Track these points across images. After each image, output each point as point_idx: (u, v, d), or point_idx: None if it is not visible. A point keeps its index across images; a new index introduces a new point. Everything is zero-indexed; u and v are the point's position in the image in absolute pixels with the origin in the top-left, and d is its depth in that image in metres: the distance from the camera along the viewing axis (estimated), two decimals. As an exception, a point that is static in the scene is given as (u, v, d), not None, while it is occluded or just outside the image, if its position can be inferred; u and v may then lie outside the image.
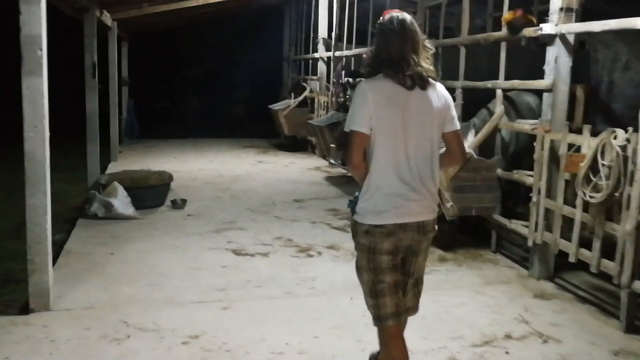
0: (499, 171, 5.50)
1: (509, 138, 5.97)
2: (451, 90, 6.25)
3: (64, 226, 6.44)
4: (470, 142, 5.57)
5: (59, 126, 7.21)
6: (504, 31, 5.38)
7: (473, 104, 6.25)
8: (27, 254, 4.02)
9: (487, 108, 5.95)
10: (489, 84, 5.67)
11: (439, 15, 7.11)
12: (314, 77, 12.51)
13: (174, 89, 17.51)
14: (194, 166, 10.47)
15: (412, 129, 2.63)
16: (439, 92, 2.73)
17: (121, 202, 6.55)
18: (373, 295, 2.71)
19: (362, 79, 2.97)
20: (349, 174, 7.83)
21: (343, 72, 10.20)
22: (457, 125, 2.79)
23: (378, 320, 2.73)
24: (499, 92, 5.54)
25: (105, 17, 9.10)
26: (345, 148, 2.73)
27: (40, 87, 3.84)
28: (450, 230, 5.86)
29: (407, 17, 2.72)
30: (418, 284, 2.84)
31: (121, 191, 6.65)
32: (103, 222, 6.39)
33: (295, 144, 12.88)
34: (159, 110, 16.49)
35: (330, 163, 10.75)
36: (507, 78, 5.47)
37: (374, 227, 2.63)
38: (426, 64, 2.68)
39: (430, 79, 2.68)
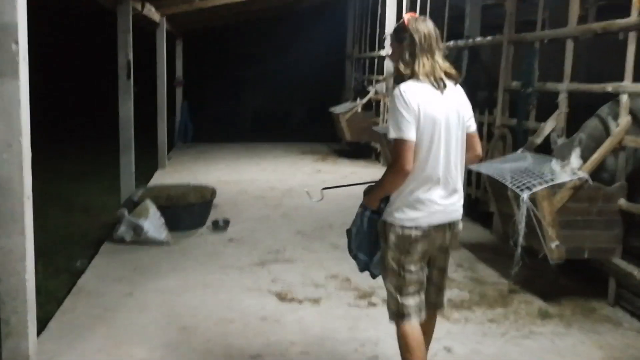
0: (622, 202, 4.21)
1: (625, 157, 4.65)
2: (553, 95, 5.12)
3: (89, 249, 5.59)
4: (575, 164, 4.30)
5: (104, 127, 6.40)
6: (634, 17, 4.09)
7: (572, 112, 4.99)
8: (1, 311, 3.08)
9: (598, 117, 4.66)
10: (609, 86, 4.37)
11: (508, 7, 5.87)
12: (380, 77, 11.30)
13: (230, 90, 16.70)
14: (245, 175, 9.51)
15: (445, 130, 2.69)
16: (459, 92, 2.82)
17: (152, 224, 5.61)
18: (398, 293, 2.78)
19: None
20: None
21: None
22: (475, 125, 2.90)
23: (399, 317, 2.79)
24: (624, 99, 4.24)
25: (150, 12, 8.26)
26: (394, 156, 2.66)
27: (16, 93, 2.90)
28: (550, 272, 4.62)
29: (429, 20, 2.80)
30: (442, 277, 2.95)
31: (153, 211, 5.71)
32: (130, 248, 5.47)
33: (358, 151, 11.73)
34: (215, 112, 15.70)
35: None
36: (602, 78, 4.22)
37: (409, 229, 2.70)
38: (446, 63, 2.76)
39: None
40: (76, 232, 6.30)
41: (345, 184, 3.87)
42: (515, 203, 4.32)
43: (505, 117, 5.99)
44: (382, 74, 11.16)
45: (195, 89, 14.56)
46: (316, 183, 8.91)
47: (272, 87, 16.60)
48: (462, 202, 2.82)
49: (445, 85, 2.70)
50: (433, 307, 2.95)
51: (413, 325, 2.78)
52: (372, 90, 11.28)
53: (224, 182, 8.83)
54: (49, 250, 5.58)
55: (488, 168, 4.79)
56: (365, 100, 11.31)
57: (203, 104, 14.94)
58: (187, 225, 6.06)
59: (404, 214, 2.70)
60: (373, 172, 10.16)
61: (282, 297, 4.41)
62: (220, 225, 6.15)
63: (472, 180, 6.82)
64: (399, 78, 2.73)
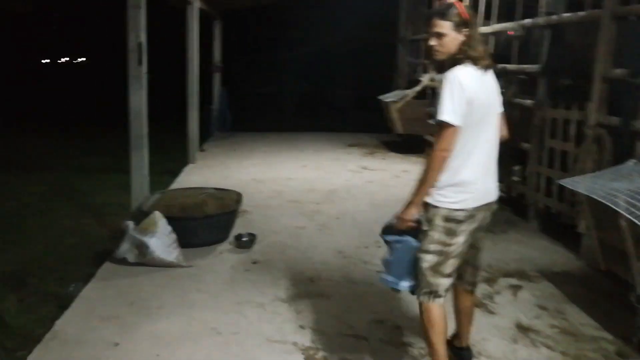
0: None
1: None
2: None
3: (89, 267, 4.67)
4: None
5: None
6: None
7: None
8: None
9: None
10: None
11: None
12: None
13: (272, 75, 15.68)
14: (282, 172, 8.47)
15: (487, 113, 2.76)
16: (492, 75, 2.84)
17: (161, 241, 4.62)
18: (434, 273, 2.79)
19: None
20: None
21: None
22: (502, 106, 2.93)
23: (430, 296, 2.81)
24: None
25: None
26: (438, 138, 2.66)
27: None
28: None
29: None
30: (478, 257, 3.03)
31: (163, 225, 4.73)
32: (132, 271, 4.51)
33: (410, 144, 10.53)
34: (255, 99, 14.70)
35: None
36: None
37: (455, 212, 2.72)
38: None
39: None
40: (81, 243, 5.40)
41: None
42: (633, 239, 3.12)
43: (603, 114, 4.73)
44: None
45: (234, 74, 13.60)
46: (361, 184, 7.81)
47: (317, 72, 15.50)
48: (496, 182, 2.90)
49: (488, 68, 2.77)
50: (470, 286, 3.07)
51: (441, 305, 2.84)
52: (426, 76, 10.03)
53: (257, 181, 7.82)
54: (44, 266, 4.73)
55: (589, 186, 3.58)
56: (419, 88, 10.07)
57: (243, 91, 13.97)
58: (205, 241, 5.06)
59: (450, 197, 2.74)
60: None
61: (310, 356, 3.34)
62: (244, 241, 5.13)
63: (553, 190, 5.58)
64: (452, 62, 2.74)
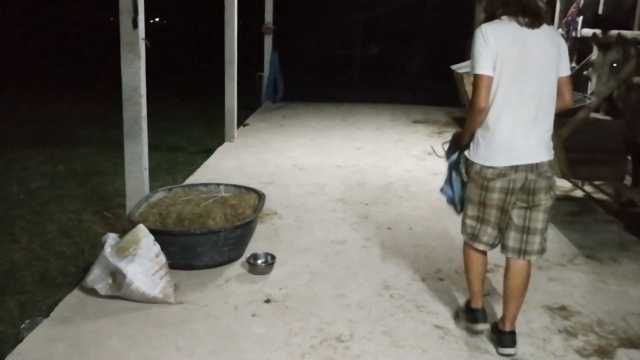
0: None
1: None
2: None
3: (64, 289, 3.60)
4: None
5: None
6: None
7: None
8: None
9: None
10: None
11: None
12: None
13: (333, 38, 14.19)
14: (330, 158, 7.13)
15: (531, 70, 2.69)
16: (553, 34, 2.80)
17: (142, 268, 3.43)
18: (475, 220, 2.91)
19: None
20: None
21: (578, 17, 6.10)
22: (569, 71, 2.84)
23: (471, 238, 2.96)
24: None
25: None
26: (472, 93, 2.71)
27: None
28: None
29: None
30: (527, 222, 2.83)
31: (147, 245, 3.52)
32: (103, 308, 3.36)
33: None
34: (313, 65, 13.30)
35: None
36: None
37: (486, 168, 2.76)
38: (541, 2, 2.73)
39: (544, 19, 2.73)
40: (74, 248, 4.33)
41: None
42: None
43: None
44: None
45: (288, 36, 12.23)
46: (425, 177, 6.38)
47: (383, 34, 13.91)
48: (548, 145, 2.79)
49: (535, 24, 2.69)
50: (517, 253, 2.90)
51: (478, 252, 2.98)
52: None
53: (298, 169, 6.54)
54: (11, 283, 3.74)
55: None
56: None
57: (298, 55, 12.61)
58: (208, 262, 3.84)
59: (481, 153, 2.77)
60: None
61: None
62: (259, 265, 3.88)
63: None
64: (488, 17, 2.75)
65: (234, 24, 7.55)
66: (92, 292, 3.46)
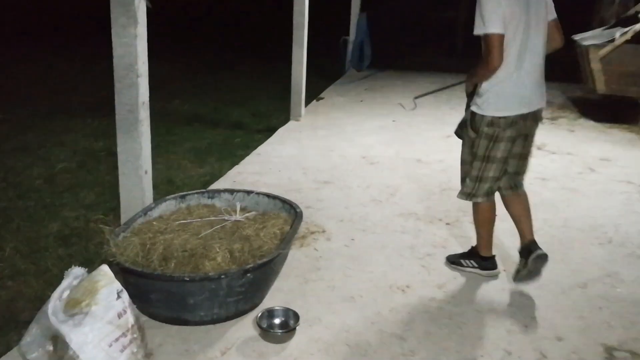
0: None
1: None
2: None
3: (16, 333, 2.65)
4: None
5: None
6: None
7: None
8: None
9: None
10: None
11: None
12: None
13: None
14: (410, 147, 5.80)
15: (532, 22, 2.82)
16: None
17: (94, 333, 2.33)
18: (476, 180, 3.05)
19: None
20: None
21: None
22: (555, 13, 2.98)
23: (469, 197, 3.13)
24: None
25: None
26: (485, 51, 2.79)
27: None
28: None
29: None
30: (523, 164, 3.11)
31: (107, 297, 2.41)
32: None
33: (614, 109, 7.17)
34: (408, 29, 11.78)
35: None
36: None
37: (498, 119, 2.89)
38: None
39: None
40: (57, 267, 3.38)
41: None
42: None
43: None
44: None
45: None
46: (528, 182, 4.90)
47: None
48: (544, 92, 2.99)
49: None
50: (511, 189, 3.15)
51: (484, 203, 3.12)
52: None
53: (367, 164, 5.28)
54: None
55: None
56: (638, 27, 6.59)
57: (389, 17, 11.14)
58: (205, 317, 2.71)
59: (493, 105, 2.88)
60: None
61: None
62: (275, 333, 2.70)
63: None
64: None
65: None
66: None
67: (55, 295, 2.46)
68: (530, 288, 3.17)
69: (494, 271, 3.29)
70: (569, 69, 8.03)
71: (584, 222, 4.12)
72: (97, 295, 2.43)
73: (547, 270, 3.14)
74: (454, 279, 3.29)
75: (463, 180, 3.14)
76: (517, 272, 3.12)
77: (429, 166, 5.26)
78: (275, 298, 2.98)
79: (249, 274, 2.70)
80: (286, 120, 6.74)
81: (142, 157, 3.23)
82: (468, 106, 3.02)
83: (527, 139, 3.01)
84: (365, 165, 5.21)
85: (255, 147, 5.76)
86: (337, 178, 4.86)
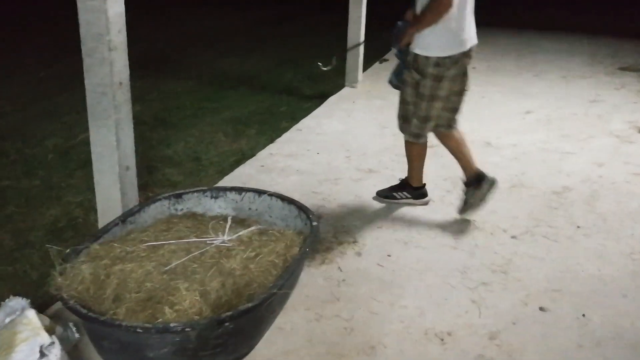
0: None
1: None
2: None
3: None
4: None
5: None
6: None
7: None
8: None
9: None
10: None
11: None
12: None
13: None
14: (479, 126, 4.90)
15: None
16: None
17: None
18: (423, 121, 3.17)
19: None
20: None
21: None
22: None
23: (416, 137, 3.25)
24: None
25: None
26: None
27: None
28: None
29: None
30: (460, 100, 3.18)
31: (25, 356, 1.83)
32: None
33: None
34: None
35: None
36: None
37: (444, 59, 3.00)
38: None
39: None
40: (37, 272, 2.90)
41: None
42: None
43: None
44: None
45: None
46: (623, 176, 3.94)
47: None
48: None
49: None
50: (448, 128, 3.25)
51: (424, 143, 3.30)
52: None
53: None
54: None
55: None
56: None
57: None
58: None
59: (440, 47, 2.98)
60: None
61: None
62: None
63: None
64: None
65: None
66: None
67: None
68: None
69: (426, 199, 3.51)
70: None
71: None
72: (14, 350, 1.84)
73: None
74: (513, 325, 2.49)
75: (405, 119, 3.24)
76: (465, 202, 3.28)
77: (499, 152, 4.37)
78: (272, 343, 2.31)
79: (227, 324, 2.03)
80: (341, 85, 5.95)
81: (121, 151, 2.59)
82: (402, 53, 3.10)
83: (465, 75, 3.11)
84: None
85: (301, 118, 5.05)
86: (385, 166, 4.08)
